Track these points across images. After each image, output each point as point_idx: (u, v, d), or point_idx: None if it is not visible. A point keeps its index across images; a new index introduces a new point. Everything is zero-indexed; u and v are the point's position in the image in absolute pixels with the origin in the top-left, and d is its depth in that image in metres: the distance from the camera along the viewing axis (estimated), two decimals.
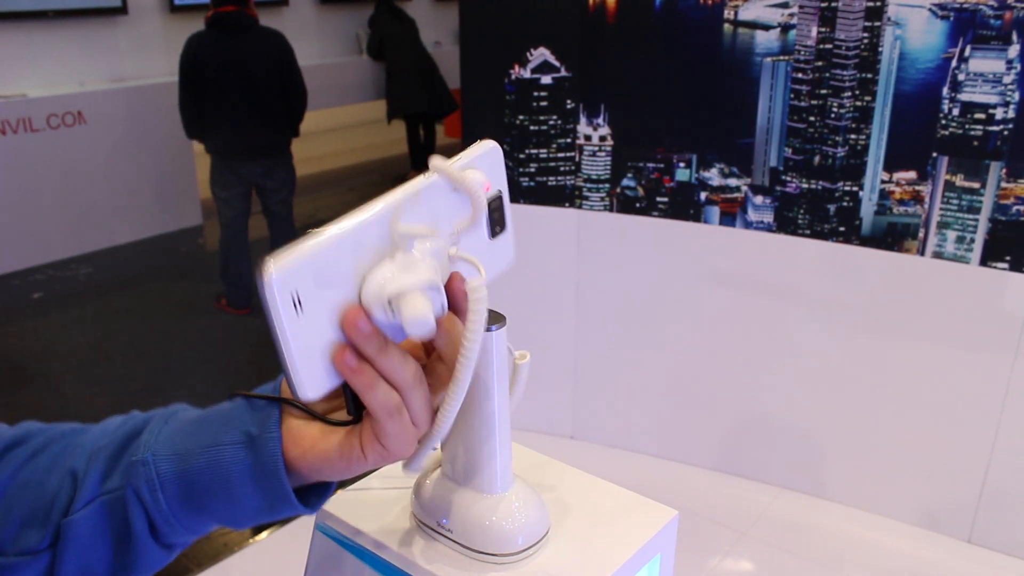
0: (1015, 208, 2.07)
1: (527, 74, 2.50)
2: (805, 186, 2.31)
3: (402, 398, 0.51)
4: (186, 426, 0.55)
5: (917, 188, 2.18)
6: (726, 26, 2.29)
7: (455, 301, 0.51)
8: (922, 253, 2.21)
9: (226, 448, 0.52)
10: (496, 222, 0.54)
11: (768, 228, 2.39)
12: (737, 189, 2.40)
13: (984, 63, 2.01)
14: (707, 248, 2.49)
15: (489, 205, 0.53)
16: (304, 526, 0.74)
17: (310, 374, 0.49)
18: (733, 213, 2.43)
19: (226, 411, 0.55)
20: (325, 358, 0.50)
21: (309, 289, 0.48)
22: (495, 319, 0.59)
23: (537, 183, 2.59)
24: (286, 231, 4.01)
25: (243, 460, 0.52)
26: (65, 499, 0.53)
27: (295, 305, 0.47)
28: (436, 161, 0.51)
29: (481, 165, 0.53)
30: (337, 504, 0.73)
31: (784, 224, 2.37)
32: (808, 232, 2.34)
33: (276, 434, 0.52)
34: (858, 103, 2.19)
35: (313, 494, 0.56)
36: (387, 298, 0.49)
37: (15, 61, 4.82)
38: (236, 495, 0.52)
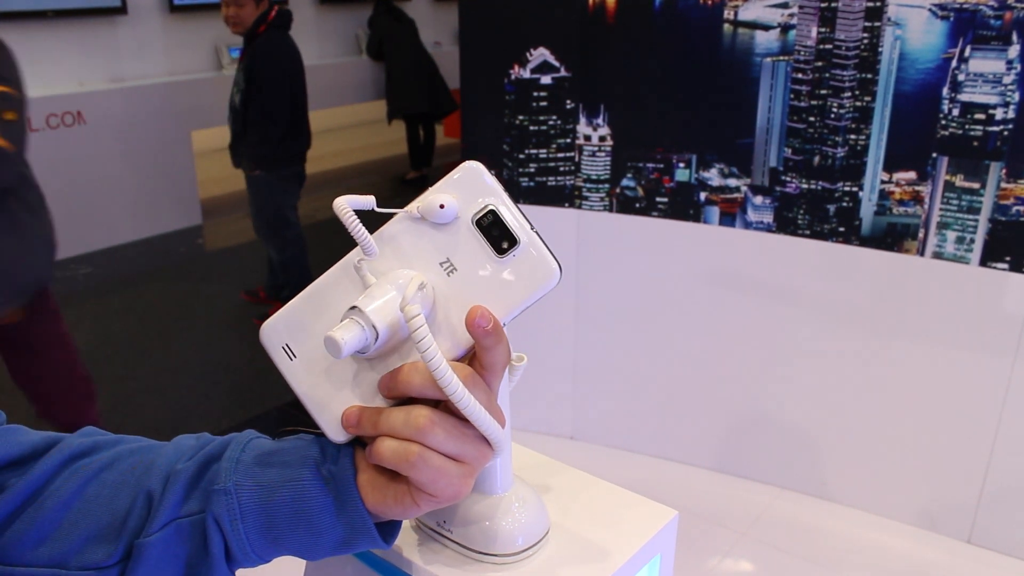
0: (1015, 208, 2.07)
1: (527, 74, 2.50)
2: (805, 186, 2.31)
3: (421, 444, 0.51)
4: (264, 457, 0.56)
5: (917, 188, 2.18)
6: (726, 26, 2.29)
7: (468, 331, 0.51)
8: (922, 253, 2.21)
9: (307, 483, 0.54)
10: (498, 239, 0.52)
11: (768, 228, 2.39)
12: (737, 189, 2.40)
13: (984, 63, 2.02)
14: (707, 248, 2.49)
15: (479, 224, 0.52)
16: None
17: (328, 420, 0.54)
18: (733, 213, 2.43)
19: (302, 445, 0.56)
20: (339, 407, 0.54)
21: (298, 340, 0.54)
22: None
23: (537, 183, 2.59)
24: None
25: (325, 494, 0.54)
26: (138, 519, 0.54)
27: (287, 354, 0.55)
28: (337, 201, 0.51)
29: (453, 187, 0.52)
30: None
31: (784, 224, 2.37)
32: (808, 232, 2.34)
33: (351, 470, 0.54)
34: (858, 103, 2.19)
35: (386, 531, 0.57)
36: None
37: None
38: (318, 528, 0.54)
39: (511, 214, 0.52)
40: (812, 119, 2.25)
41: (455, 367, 0.50)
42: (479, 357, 0.52)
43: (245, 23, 3.42)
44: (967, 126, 2.07)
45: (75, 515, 0.54)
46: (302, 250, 3.86)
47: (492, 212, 0.52)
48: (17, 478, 0.55)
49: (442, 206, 0.51)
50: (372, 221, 0.54)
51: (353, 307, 0.50)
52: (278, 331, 0.55)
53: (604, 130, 2.51)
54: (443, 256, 0.53)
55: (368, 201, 0.52)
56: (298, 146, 3.65)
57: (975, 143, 2.07)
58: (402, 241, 0.53)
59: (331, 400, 0.54)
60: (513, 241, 0.52)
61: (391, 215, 0.54)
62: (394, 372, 0.52)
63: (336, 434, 0.55)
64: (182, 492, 0.54)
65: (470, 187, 0.53)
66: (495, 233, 0.52)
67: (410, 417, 0.51)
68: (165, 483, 0.55)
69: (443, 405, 0.52)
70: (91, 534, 0.54)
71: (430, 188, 0.53)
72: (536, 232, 0.52)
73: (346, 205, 0.51)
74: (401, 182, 6.56)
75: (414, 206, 0.53)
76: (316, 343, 0.54)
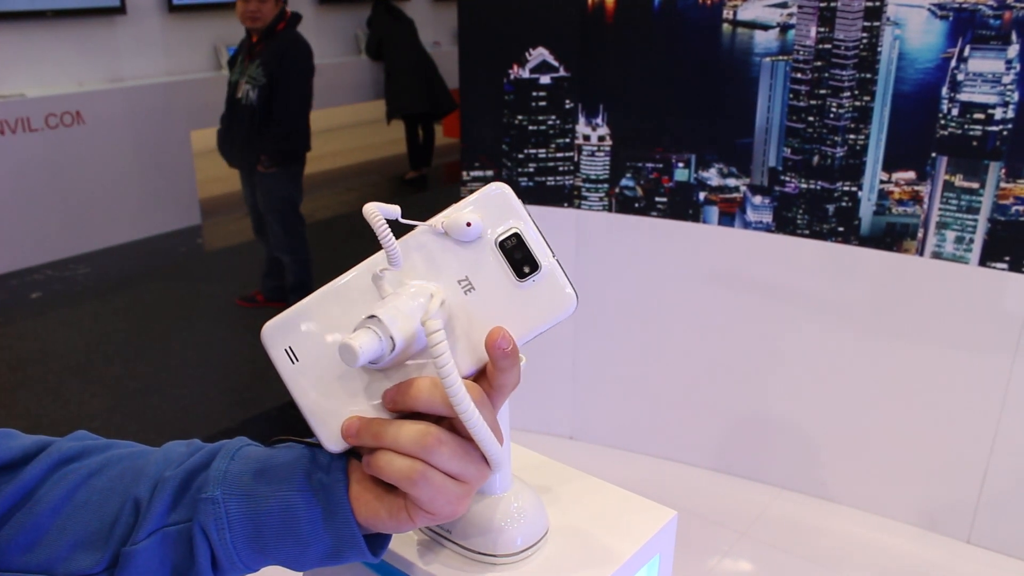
0: (1014, 208, 2.07)
1: (526, 74, 2.50)
2: (804, 186, 2.31)
3: (425, 462, 0.50)
4: (253, 465, 0.55)
5: (916, 188, 2.18)
6: (725, 26, 2.29)
7: (487, 351, 0.51)
8: (921, 253, 2.21)
9: (296, 493, 0.53)
10: (520, 262, 0.51)
11: (767, 228, 2.39)
12: (736, 189, 2.40)
13: (983, 63, 2.02)
14: (706, 248, 2.49)
15: (502, 246, 0.52)
16: None
17: (326, 429, 0.54)
18: (732, 213, 2.43)
19: (293, 454, 0.56)
20: (338, 416, 0.53)
21: (302, 343, 0.53)
22: None
23: (536, 183, 2.59)
24: None
25: (313, 505, 0.53)
26: (125, 526, 0.53)
27: (289, 357, 0.53)
28: (367, 208, 0.51)
29: (479, 206, 0.52)
30: None
31: (783, 224, 2.37)
32: (807, 232, 2.34)
33: (343, 481, 0.53)
34: (857, 103, 2.19)
35: (376, 543, 0.56)
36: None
37: (14, 61, 4.82)
38: (305, 539, 0.53)
39: (534, 239, 0.52)
40: (811, 119, 2.25)
41: (466, 386, 0.49)
42: (491, 377, 0.52)
43: (265, 19, 3.46)
44: (966, 126, 2.07)
45: (63, 521, 0.54)
46: (307, 250, 3.88)
47: (517, 235, 0.52)
48: (6, 483, 0.55)
49: (469, 224, 0.51)
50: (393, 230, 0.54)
51: (372, 316, 0.49)
52: (282, 332, 0.54)
53: (603, 130, 2.50)
54: (462, 274, 0.52)
55: (393, 210, 0.51)
56: (308, 140, 3.73)
57: (974, 143, 2.07)
58: (423, 254, 0.53)
59: (330, 408, 0.54)
60: (535, 266, 0.51)
61: (413, 226, 0.53)
62: (403, 385, 0.52)
63: (332, 443, 0.54)
64: (169, 500, 0.54)
65: (496, 208, 0.52)
66: (517, 256, 0.52)
67: (418, 434, 0.50)
68: (153, 491, 0.54)
69: (447, 423, 0.52)
70: (79, 540, 0.53)
71: (455, 204, 0.53)
72: (556, 259, 0.52)
73: (377, 212, 0.50)
74: (401, 182, 6.56)
75: (439, 221, 0.52)
76: (322, 348, 0.53)
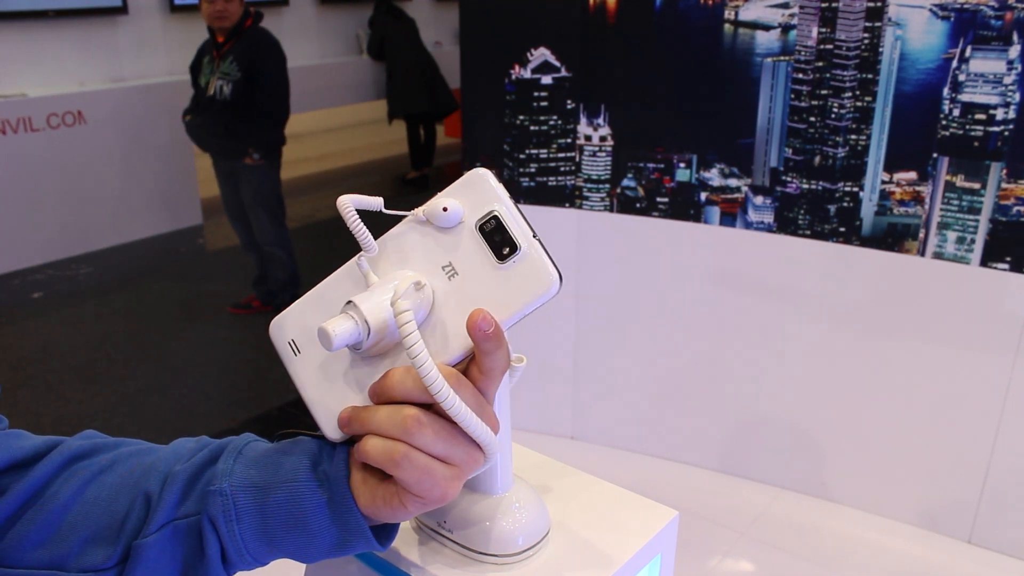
0: (1015, 209, 2.07)
1: (527, 74, 2.50)
2: (805, 186, 2.31)
3: (408, 444, 0.50)
4: (261, 458, 0.55)
5: (917, 189, 2.18)
6: (726, 26, 2.29)
7: (469, 333, 0.51)
8: (922, 254, 2.21)
9: (302, 484, 0.54)
10: (500, 244, 0.52)
11: (768, 228, 2.39)
12: (737, 189, 2.40)
13: (985, 64, 2.01)
14: (707, 249, 2.48)
15: (481, 229, 0.52)
16: None
17: (327, 419, 0.55)
18: (733, 213, 2.43)
19: (298, 447, 0.56)
20: (338, 407, 0.54)
21: (303, 336, 0.55)
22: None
23: (537, 183, 2.59)
24: None
25: (319, 495, 0.53)
26: (136, 521, 0.54)
27: (292, 350, 0.56)
28: (340, 199, 0.52)
29: (460, 193, 0.53)
30: None
31: (784, 224, 2.37)
32: (808, 233, 2.34)
33: (345, 471, 0.54)
34: (858, 103, 2.19)
35: (383, 534, 0.57)
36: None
37: (15, 61, 4.83)
38: (312, 530, 0.53)
39: (514, 220, 0.52)
40: (813, 119, 2.25)
41: (441, 369, 0.50)
42: (478, 361, 0.52)
43: (232, 18, 3.54)
44: (968, 126, 2.07)
45: (74, 517, 0.54)
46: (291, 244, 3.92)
47: (495, 218, 0.52)
48: (17, 481, 0.55)
49: (445, 209, 0.52)
50: (382, 224, 0.54)
51: (349, 302, 0.51)
52: (286, 326, 0.56)
53: (605, 130, 2.50)
54: (445, 260, 0.53)
55: (375, 202, 0.53)
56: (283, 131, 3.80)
57: (976, 143, 2.07)
58: (406, 243, 0.54)
59: (330, 397, 0.55)
60: (514, 247, 0.52)
61: (399, 217, 0.54)
62: (382, 377, 0.52)
63: (333, 432, 0.55)
64: (179, 494, 0.54)
65: (476, 193, 0.53)
66: (497, 239, 0.52)
67: (397, 416, 0.51)
68: (163, 485, 0.55)
69: (435, 408, 0.52)
70: (90, 536, 0.54)
71: (438, 193, 0.54)
72: (539, 240, 0.52)
73: (349, 203, 0.52)
74: (402, 182, 6.56)
75: (420, 209, 0.53)
76: (317, 340, 0.54)
